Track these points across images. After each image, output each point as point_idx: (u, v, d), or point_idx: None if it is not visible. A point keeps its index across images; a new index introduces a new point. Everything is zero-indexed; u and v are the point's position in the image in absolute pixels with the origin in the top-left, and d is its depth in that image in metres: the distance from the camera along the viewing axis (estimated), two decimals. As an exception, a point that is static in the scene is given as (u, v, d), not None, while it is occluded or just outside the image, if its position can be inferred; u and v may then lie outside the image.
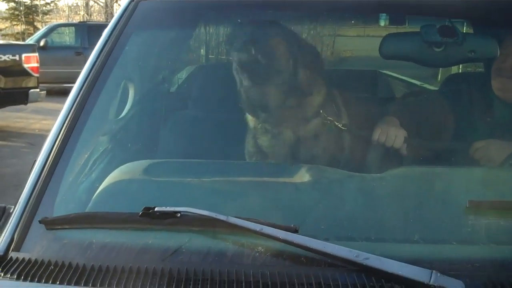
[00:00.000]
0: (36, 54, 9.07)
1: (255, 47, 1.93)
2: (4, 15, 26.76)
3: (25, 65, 8.82)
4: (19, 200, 1.44)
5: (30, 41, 14.43)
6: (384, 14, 2.48)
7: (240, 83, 1.95)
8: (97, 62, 1.74)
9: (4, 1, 25.55)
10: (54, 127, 1.62)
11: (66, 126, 1.59)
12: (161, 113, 2.05)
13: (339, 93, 2.04)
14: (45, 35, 14.42)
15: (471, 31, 2.50)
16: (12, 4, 25.75)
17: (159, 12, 1.96)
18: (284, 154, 1.95)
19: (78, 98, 1.65)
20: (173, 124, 2.11)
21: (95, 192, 1.52)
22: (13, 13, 25.84)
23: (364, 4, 1.96)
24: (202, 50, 2.93)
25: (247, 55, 1.92)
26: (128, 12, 1.87)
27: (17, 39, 22.69)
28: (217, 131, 2.05)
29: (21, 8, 25.27)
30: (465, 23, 2.54)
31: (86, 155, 1.61)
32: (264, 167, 1.75)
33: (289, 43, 1.96)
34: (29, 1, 25.84)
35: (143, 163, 1.67)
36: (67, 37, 15.32)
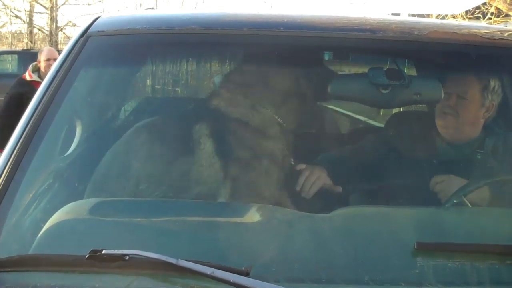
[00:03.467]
0: (-23, 82, 8.82)
1: None
2: None
3: (-34, 94, 8.56)
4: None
5: (-29, 69, 14.04)
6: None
7: None
8: (44, 98, 1.69)
9: None
10: None
11: (10, 164, 1.54)
12: (108, 150, 2.01)
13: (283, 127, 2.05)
14: (-14, 62, 14.07)
15: (413, 70, 2.58)
16: (-48, 31, 25.04)
17: (110, 48, 1.94)
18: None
19: (23, 135, 1.60)
20: (120, 160, 2.07)
21: (39, 232, 1.47)
22: (-47, 40, 25.12)
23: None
24: (148, 82, 2.91)
25: None
26: (77, 47, 1.84)
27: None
28: (167, 166, 2.02)
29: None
30: (406, 62, 2.62)
31: (31, 194, 1.56)
32: (214, 207, 1.74)
33: None
34: (-30, 28, 25.22)
35: (89, 202, 1.64)
36: (10, 65, 14.95)
